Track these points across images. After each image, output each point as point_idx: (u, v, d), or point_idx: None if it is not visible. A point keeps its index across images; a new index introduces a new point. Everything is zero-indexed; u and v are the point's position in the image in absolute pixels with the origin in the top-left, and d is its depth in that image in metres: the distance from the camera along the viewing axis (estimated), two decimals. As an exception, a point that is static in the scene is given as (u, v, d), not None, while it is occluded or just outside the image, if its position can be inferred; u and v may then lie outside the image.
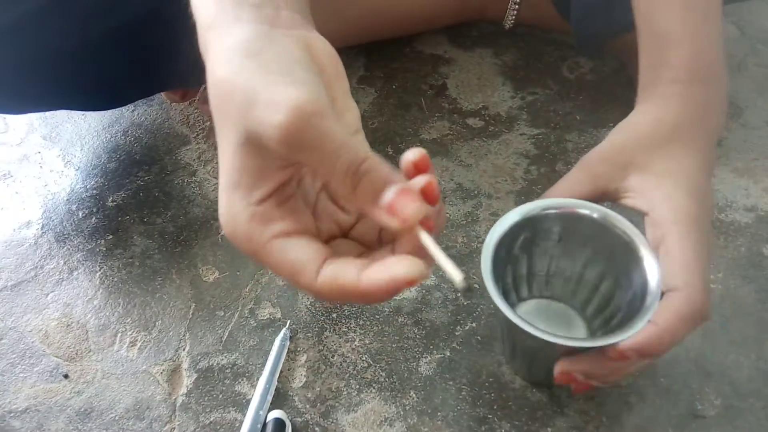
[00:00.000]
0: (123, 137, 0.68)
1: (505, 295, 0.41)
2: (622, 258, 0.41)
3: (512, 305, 0.41)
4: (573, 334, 0.46)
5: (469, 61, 0.74)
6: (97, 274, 0.57)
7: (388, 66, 0.74)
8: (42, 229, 0.61)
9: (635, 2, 0.45)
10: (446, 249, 0.56)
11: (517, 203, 0.59)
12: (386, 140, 0.66)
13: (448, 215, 0.59)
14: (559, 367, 0.37)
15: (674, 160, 0.38)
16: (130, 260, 0.58)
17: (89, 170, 0.65)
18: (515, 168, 0.63)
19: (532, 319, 0.46)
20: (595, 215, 0.42)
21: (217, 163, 0.64)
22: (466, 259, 0.56)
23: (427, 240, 0.26)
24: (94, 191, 0.63)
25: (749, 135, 0.64)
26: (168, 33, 0.56)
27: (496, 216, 0.59)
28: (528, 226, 0.43)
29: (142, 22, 0.54)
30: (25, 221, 0.62)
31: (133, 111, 0.71)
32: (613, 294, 0.43)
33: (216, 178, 0.63)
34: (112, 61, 0.55)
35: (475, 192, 0.61)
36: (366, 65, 0.74)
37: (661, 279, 0.37)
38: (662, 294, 0.37)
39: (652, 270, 0.38)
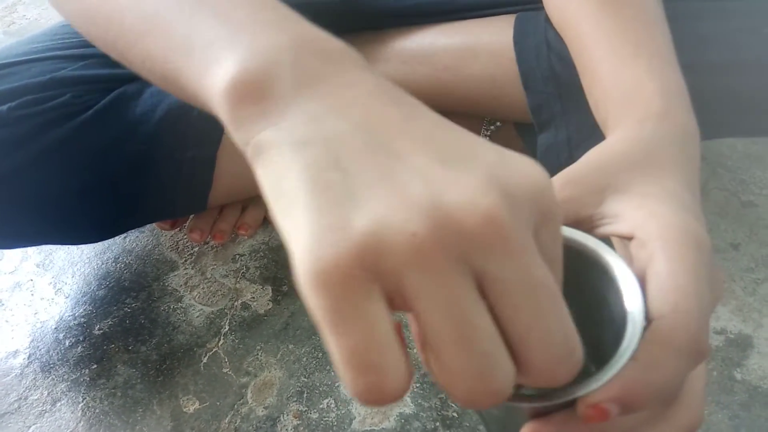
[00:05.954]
0: (114, 264, 0.71)
1: None
2: (589, 286, 0.32)
3: None
4: None
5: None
6: (80, 406, 0.57)
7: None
8: (29, 358, 0.62)
9: (581, 65, 0.42)
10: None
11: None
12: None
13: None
14: (526, 429, 0.29)
15: (655, 178, 0.33)
16: (113, 390, 0.58)
17: (78, 297, 0.67)
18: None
19: None
20: None
21: (202, 288, 0.67)
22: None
23: None
24: (82, 319, 0.65)
25: (713, 258, 0.67)
26: (158, 171, 0.60)
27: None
28: None
29: (135, 163, 0.58)
30: (13, 350, 0.63)
31: (125, 238, 0.74)
32: (595, 338, 0.32)
33: (200, 304, 0.65)
34: (107, 199, 0.58)
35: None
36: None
37: (646, 306, 0.28)
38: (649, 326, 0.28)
39: (630, 292, 0.29)
